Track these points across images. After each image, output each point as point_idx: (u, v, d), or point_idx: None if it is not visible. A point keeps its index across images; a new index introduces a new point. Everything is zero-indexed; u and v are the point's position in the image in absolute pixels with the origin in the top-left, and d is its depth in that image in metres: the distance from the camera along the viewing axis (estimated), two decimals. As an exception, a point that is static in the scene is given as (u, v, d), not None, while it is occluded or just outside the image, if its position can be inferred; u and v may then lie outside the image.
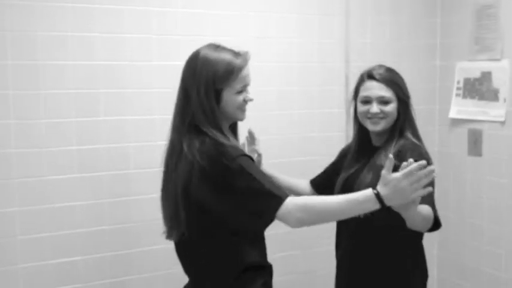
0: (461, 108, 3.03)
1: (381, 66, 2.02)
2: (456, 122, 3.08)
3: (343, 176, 2.05)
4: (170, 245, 2.57)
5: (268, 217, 1.57)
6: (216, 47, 1.67)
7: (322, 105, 2.93)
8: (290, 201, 1.56)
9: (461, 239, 3.08)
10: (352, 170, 2.01)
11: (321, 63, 2.91)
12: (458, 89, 3.05)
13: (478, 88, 2.91)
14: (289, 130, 2.85)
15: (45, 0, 2.31)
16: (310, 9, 2.86)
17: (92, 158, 2.44)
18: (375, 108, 1.93)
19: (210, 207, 1.62)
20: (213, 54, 1.62)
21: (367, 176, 1.90)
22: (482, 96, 2.89)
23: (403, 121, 1.95)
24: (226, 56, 1.63)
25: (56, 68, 2.35)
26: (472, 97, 2.96)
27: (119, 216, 2.51)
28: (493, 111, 2.83)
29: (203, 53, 1.64)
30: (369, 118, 1.96)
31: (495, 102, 2.81)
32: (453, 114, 3.08)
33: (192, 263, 1.76)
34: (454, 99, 3.07)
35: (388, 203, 1.54)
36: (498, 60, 2.80)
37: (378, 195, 1.53)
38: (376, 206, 1.55)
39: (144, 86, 2.52)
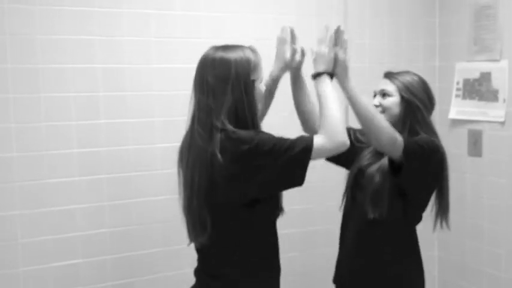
0: (460, 108, 3.03)
1: (405, 71, 2.05)
2: (456, 123, 3.08)
3: (356, 165, 2.07)
4: (171, 247, 2.59)
5: (308, 155, 1.62)
6: (234, 47, 1.71)
7: (321, 107, 2.93)
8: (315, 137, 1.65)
9: (461, 240, 3.08)
10: (365, 162, 2.03)
11: (320, 65, 2.91)
12: (457, 89, 3.05)
13: (478, 89, 2.91)
14: (289, 131, 2.83)
15: (44, 3, 2.32)
16: (309, 10, 2.87)
17: (92, 160, 2.44)
18: (375, 100, 2.01)
19: (240, 196, 1.63)
20: (238, 53, 1.68)
21: (375, 175, 1.92)
22: (481, 97, 2.89)
23: (413, 121, 1.95)
24: (248, 52, 1.70)
25: (56, 71, 2.36)
26: (472, 98, 2.96)
27: (120, 218, 2.51)
28: (492, 112, 2.83)
29: (228, 55, 1.67)
30: None
31: (495, 103, 2.81)
32: (453, 115, 3.08)
33: (204, 258, 1.77)
34: (453, 100, 3.07)
35: (319, 69, 1.75)
36: (497, 60, 2.80)
37: (316, 75, 1.75)
38: (325, 79, 1.74)
39: (144, 88, 2.53)
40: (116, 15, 2.45)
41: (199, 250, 1.77)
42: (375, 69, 3.07)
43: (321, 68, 1.75)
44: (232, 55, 1.66)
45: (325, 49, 1.75)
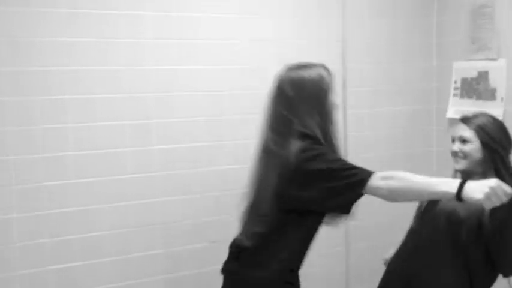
0: (458, 108, 3.03)
1: (479, 113, 2.08)
2: (454, 122, 3.07)
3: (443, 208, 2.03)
4: (170, 249, 2.58)
5: (361, 188, 1.68)
6: (310, 65, 1.85)
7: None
8: (377, 173, 1.69)
9: (461, 239, 3.07)
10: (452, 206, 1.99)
11: (318, 65, 2.91)
12: (455, 88, 3.05)
13: (476, 88, 2.91)
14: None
15: (41, 6, 2.31)
16: (307, 11, 2.86)
17: (89, 163, 2.44)
18: (454, 146, 2.03)
19: (299, 200, 1.74)
20: (314, 71, 1.83)
21: (448, 203, 1.94)
22: (479, 96, 2.89)
23: (496, 165, 1.96)
24: (322, 70, 1.84)
25: (52, 74, 2.35)
26: (470, 97, 2.96)
27: (117, 220, 2.51)
28: (490, 111, 2.80)
29: (308, 74, 1.83)
30: (453, 157, 2.05)
31: (492, 102, 2.81)
32: (451, 114, 3.08)
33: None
34: (451, 99, 3.07)
35: (465, 193, 1.56)
36: (495, 59, 2.80)
37: (462, 184, 1.57)
38: (454, 190, 1.57)
39: (140, 90, 2.52)
40: (111, 17, 2.44)
41: (240, 247, 1.86)
42: (373, 68, 3.08)
43: (469, 195, 1.56)
44: (307, 73, 1.81)
45: (492, 189, 1.54)
